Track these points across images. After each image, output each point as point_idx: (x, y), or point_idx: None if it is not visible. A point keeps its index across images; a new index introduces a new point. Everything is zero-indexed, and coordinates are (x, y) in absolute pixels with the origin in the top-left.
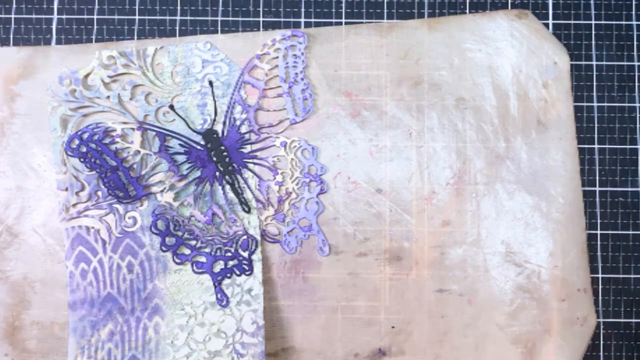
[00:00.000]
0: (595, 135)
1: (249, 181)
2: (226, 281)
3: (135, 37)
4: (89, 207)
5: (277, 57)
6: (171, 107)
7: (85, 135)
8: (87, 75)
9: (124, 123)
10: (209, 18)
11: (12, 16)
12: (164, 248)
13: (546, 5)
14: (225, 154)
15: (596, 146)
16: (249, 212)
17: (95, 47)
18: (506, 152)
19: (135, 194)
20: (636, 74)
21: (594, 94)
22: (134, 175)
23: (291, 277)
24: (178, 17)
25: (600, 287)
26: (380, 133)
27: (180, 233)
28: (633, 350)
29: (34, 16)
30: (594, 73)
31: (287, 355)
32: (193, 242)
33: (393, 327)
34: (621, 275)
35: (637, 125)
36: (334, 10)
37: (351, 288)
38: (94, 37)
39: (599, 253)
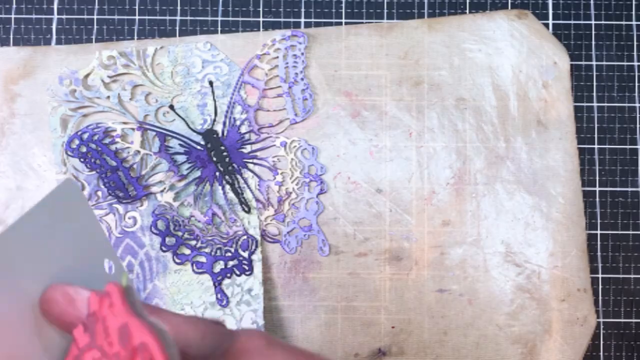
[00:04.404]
0: (595, 135)
1: (249, 181)
2: (226, 281)
3: (135, 37)
4: None
5: (277, 57)
6: (171, 107)
7: (85, 136)
8: (87, 76)
9: (124, 123)
10: (209, 18)
11: (12, 16)
12: (164, 248)
13: (546, 5)
14: (225, 154)
15: (596, 146)
16: (249, 212)
17: (95, 47)
18: (506, 152)
19: (136, 194)
20: (636, 74)
21: (594, 94)
22: (134, 176)
23: (291, 277)
24: (178, 17)
25: (600, 287)
26: (380, 133)
27: (180, 233)
28: (633, 350)
29: (34, 16)
30: (594, 73)
31: None
32: (193, 242)
33: (393, 327)
34: (621, 275)
35: (637, 125)
36: (334, 10)
37: (351, 288)
38: (94, 37)
39: (599, 253)
